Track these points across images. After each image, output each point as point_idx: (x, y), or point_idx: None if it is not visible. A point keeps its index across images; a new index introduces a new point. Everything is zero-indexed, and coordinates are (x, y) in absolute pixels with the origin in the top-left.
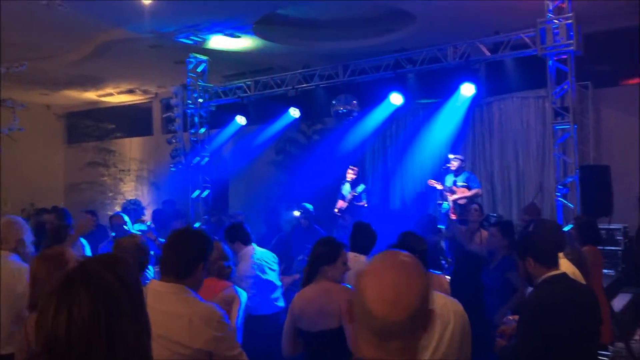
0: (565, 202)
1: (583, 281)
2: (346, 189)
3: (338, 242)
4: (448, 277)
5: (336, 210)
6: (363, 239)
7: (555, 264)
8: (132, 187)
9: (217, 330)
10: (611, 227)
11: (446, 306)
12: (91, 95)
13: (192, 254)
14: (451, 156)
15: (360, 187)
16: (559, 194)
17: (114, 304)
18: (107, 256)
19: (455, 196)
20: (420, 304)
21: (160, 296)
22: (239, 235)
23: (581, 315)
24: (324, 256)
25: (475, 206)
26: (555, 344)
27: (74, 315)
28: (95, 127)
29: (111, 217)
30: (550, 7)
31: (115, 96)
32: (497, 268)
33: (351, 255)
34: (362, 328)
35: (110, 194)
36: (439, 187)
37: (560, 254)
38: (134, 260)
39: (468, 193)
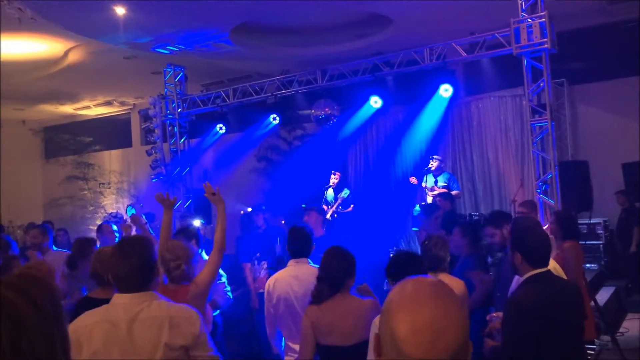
0: (546, 198)
1: (564, 277)
2: (330, 194)
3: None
4: None
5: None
6: (301, 243)
7: (543, 265)
8: (113, 200)
9: (195, 328)
10: (592, 221)
11: None
12: (67, 108)
13: (146, 261)
14: (431, 157)
15: (345, 192)
16: (539, 190)
17: (20, 326)
18: (20, 276)
19: (434, 193)
20: (461, 341)
21: (131, 308)
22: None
23: (567, 312)
24: (348, 269)
25: (439, 198)
26: (543, 342)
27: None
28: (73, 140)
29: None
30: (524, 7)
31: (93, 109)
32: (459, 268)
33: (292, 262)
34: None
35: (91, 208)
36: (423, 185)
37: None
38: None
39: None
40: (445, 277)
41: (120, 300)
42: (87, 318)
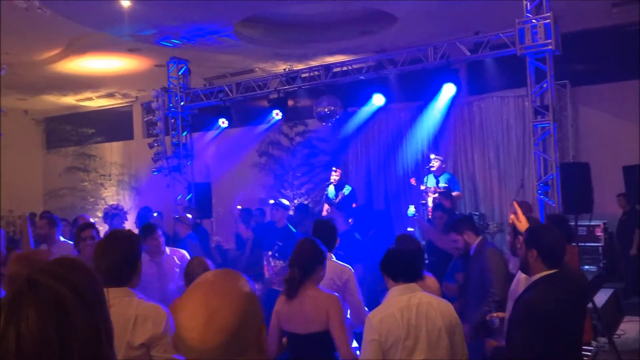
0: (547, 199)
1: None
2: (331, 191)
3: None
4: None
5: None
6: (324, 237)
7: (556, 266)
8: (114, 192)
9: (159, 328)
10: (592, 223)
11: (432, 305)
12: (70, 99)
13: (128, 257)
14: (432, 156)
15: (347, 189)
16: (540, 192)
17: (64, 314)
18: (58, 262)
19: (436, 195)
20: (239, 322)
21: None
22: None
23: (574, 315)
24: (319, 257)
25: (438, 212)
26: (550, 344)
27: (22, 331)
28: (74, 131)
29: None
30: (529, 7)
31: (95, 100)
32: (451, 269)
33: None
34: None
35: (91, 200)
36: (422, 187)
37: None
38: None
39: None
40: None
41: None
42: None
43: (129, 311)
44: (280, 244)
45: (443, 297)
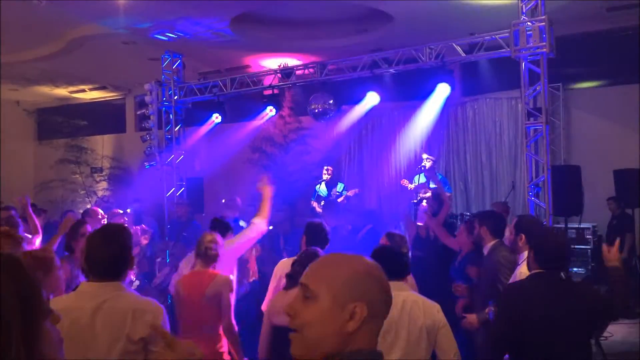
0: (537, 201)
1: None
2: (322, 189)
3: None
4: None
5: (319, 209)
6: (319, 238)
7: (552, 267)
8: (105, 185)
9: (158, 321)
10: (581, 226)
11: (417, 304)
12: (62, 91)
13: (124, 251)
14: (425, 156)
15: (340, 186)
16: (531, 193)
17: None
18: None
19: (427, 195)
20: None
21: (97, 296)
22: None
23: (559, 312)
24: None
25: (430, 199)
26: (527, 335)
27: None
28: (66, 123)
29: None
30: (524, 10)
31: (88, 92)
32: (461, 263)
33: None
34: None
35: (82, 192)
36: (412, 187)
37: None
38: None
39: None
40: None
41: (87, 288)
42: (58, 303)
43: (126, 305)
44: None
45: (451, 297)
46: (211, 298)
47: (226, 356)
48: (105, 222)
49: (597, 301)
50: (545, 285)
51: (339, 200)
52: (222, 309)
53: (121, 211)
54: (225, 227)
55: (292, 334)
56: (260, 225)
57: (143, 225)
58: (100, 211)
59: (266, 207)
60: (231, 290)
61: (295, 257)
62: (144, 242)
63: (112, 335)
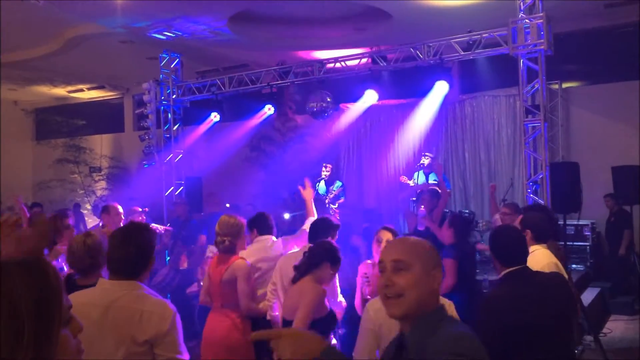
0: (536, 198)
1: (564, 272)
2: (321, 187)
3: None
4: None
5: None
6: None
7: (517, 264)
8: (104, 185)
9: (164, 325)
10: (580, 223)
11: None
12: (61, 91)
13: (144, 251)
14: (423, 154)
15: (337, 185)
16: (529, 190)
17: None
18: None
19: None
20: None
21: (110, 294)
22: None
23: (544, 310)
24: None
25: (426, 195)
26: (514, 342)
27: None
28: (65, 123)
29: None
30: (522, 7)
31: (86, 92)
32: (442, 257)
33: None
34: None
35: (81, 192)
36: (412, 183)
37: (543, 246)
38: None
39: None
40: None
41: (103, 285)
42: (75, 299)
43: (136, 305)
44: None
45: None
46: (228, 282)
47: (239, 336)
48: (123, 219)
49: (565, 289)
50: (527, 283)
51: (339, 201)
52: (238, 293)
53: (140, 209)
54: (267, 225)
55: (390, 299)
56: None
57: (168, 226)
58: (120, 208)
59: (311, 209)
60: (247, 276)
61: (295, 251)
62: (166, 240)
63: (119, 335)
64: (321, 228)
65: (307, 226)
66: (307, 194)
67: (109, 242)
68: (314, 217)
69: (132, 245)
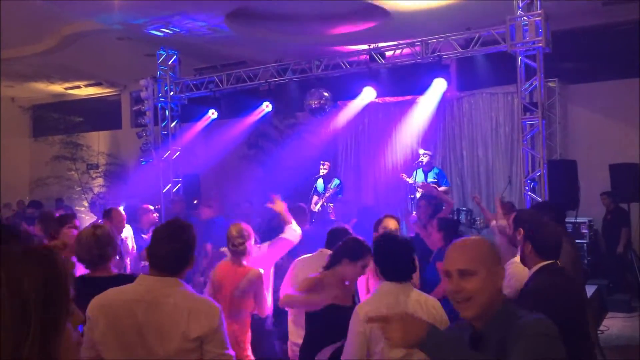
0: (534, 195)
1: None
2: (320, 184)
3: (367, 245)
4: None
5: (317, 208)
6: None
7: (553, 257)
8: (101, 182)
9: (214, 322)
10: (577, 220)
11: (419, 304)
12: (58, 87)
13: (189, 248)
14: (421, 151)
15: (335, 182)
16: (527, 188)
17: None
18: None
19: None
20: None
21: (154, 291)
22: None
23: (576, 303)
24: (350, 250)
25: (423, 202)
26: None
27: None
28: (62, 120)
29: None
30: (520, 5)
31: (83, 89)
32: (434, 260)
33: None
34: None
35: (78, 189)
36: (410, 181)
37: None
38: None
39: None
40: None
41: (145, 281)
42: (113, 295)
43: (183, 302)
44: None
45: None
46: (244, 292)
47: (240, 352)
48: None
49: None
50: (562, 278)
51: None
52: (256, 302)
53: (152, 207)
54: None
55: (461, 303)
56: (293, 228)
57: None
58: (123, 212)
59: (287, 217)
60: (262, 284)
61: (309, 255)
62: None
63: (167, 331)
64: (338, 238)
65: (287, 234)
66: (279, 206)
67: (152, 238)
68: (291, 224)
69: (177, 242)
